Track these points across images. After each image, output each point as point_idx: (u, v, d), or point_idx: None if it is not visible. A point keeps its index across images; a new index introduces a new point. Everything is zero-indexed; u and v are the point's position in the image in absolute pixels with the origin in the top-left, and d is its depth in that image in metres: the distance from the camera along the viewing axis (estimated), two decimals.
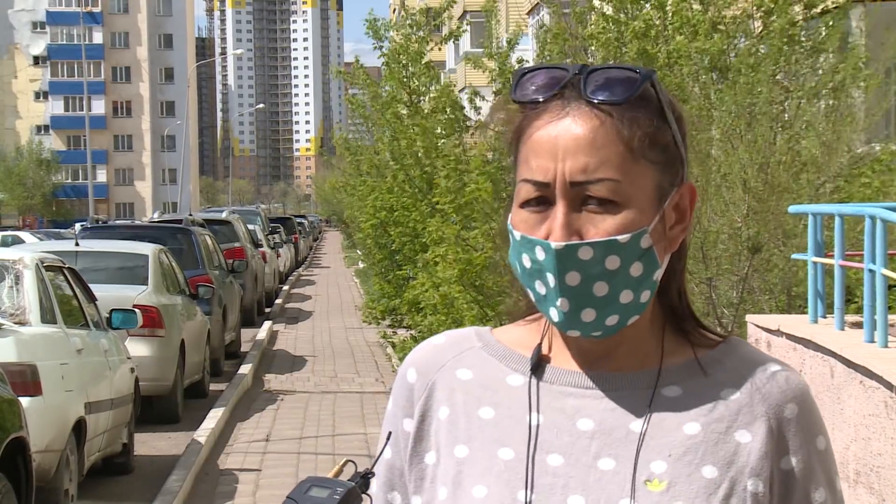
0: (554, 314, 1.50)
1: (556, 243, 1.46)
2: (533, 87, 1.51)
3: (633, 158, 1.47)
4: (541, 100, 1.50)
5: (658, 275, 1.51)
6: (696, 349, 1.57)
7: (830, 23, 13.42)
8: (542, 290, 1.50)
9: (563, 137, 1.47)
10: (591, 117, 1.47)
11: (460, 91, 21.20)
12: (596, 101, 1.47)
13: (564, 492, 1.50)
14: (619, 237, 1.46)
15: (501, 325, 1.68)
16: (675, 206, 1.53)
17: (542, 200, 1.48)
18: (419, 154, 19.17)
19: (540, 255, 1.48)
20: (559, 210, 1.47)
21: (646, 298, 1.50)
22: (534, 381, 1.56)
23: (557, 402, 1.54)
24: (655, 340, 1.57)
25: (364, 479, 1.51)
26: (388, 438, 1.60)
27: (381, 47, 21.05)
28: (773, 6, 13.59)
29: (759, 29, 13.97)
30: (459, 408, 1.58)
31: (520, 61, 17.26)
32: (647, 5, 14.42)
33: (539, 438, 1.52)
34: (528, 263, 1.50)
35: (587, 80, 1.49)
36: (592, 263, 1.46)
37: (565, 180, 1.46)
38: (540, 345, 1.58)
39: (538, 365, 1.57)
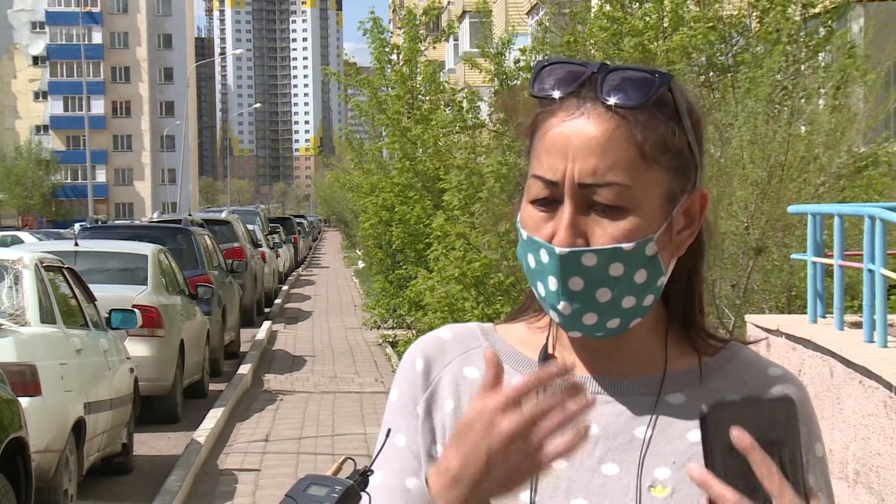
0: (555, 315, 1.49)
1: (560, 249, 1.44)
2: (551, 83, 1.49)
3: (644, 164, 1.45)
4: (557, 96, 1.48)
5: (662, 281, 1.49)
6: (699, 356, 1.56)
7: (829, 23, 13.43)
8: (543, 291, 1.48)
9: (576, 137, 1.45)
10: (606, 119, 1.45)
11: (459, 91, 21.19)
12: (611, 103, 1.45)
13: (567, 495, 1.49)
14: (623, 245, 1.44)
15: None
16: (686, 212, 1.50)
17: (551, 200, 1.46)
18: (424, 157, 19.15)
19: (544, 257, 1.47)
20: (566, 211, 1.45)
21: (649, 303, 1.49)
22: None
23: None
24: (659, 344, 1.56)
25: (363, 476, 1.50)
26: (387, 435, 1.58)
27: (383, 48, 21.02)
28: (769, 6, 13.61)
29: (756, 29, 13.98)
30: (465, 404, 1.56)
31: (517, 61, 17.26)
32: (647, 3, 14.44)
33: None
34: (532, 263, 1.48)
35: (604, 79, 1.46)
36: (596, 270, 1.45)
37: (574, 181, 1.44)
38: (546, 347, 1.57)
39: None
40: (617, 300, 1.47)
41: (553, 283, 1.46)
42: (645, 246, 1.45)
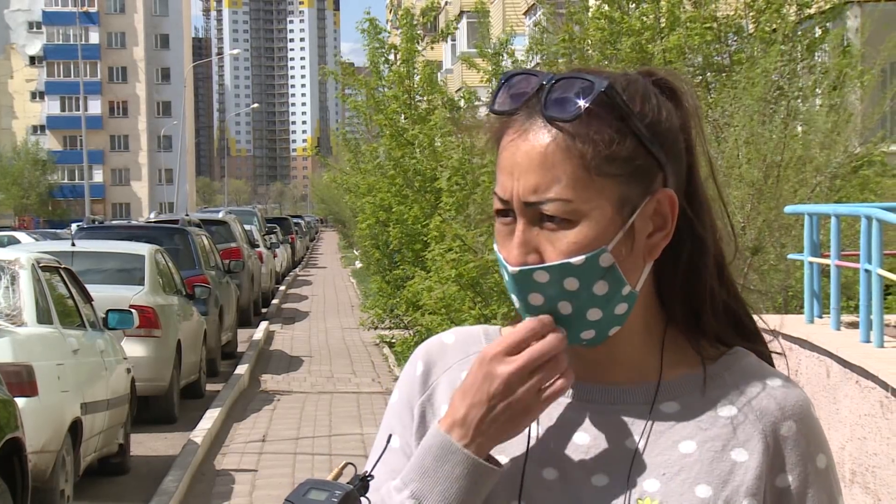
0: None
1: (511, 268, 1.46)
2: (508, 97, 1.49)
3: (587, 175, 1.44)
4: (509, 111, 1.49)
5: (629, 290, 1.47)
6: (698, 361, 1.54)
7: (825, 24, 13.45)
8: (516, 303, 1.50)
9: (519, 155, 1.46)
10: (545, 134, 1.45)
11: (456, 91, 21.21)
12: (550, 117, 1.45)
13: None
14: (572, 260, 1.44)
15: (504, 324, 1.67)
16: (655, 214, 1.48)
17: (510, 212, 1.48)
18: (421, 157, 19.14)
19: (505, 274, 1.49)
20: (518, 228, 1.46)
21: (622, 311, 1.48)
22: None
23: (556, 412, 1.53)
24: (655, 349, 1.54)
25: (363, 481, 1.51)
26: (388, 441, 1.58)
27: (378, 48, 21.01)
28: (765, 6, 13.63)
29: (752, 29, 14.01)
30: None
31: (515, 62, 17.27)
32: (644, 3, 14.45)
33: (535, 449, 1.51)
34: (505, 277, 1.50)
35: (550, 91, 1.46)
36: (550, 285, 1.45)
37: (520, 200, 1.45)
38: None
39: None
40: (580, 313, 1.46)
41: (515, 299, 1.48)
42: (597, 258, 1.44)
